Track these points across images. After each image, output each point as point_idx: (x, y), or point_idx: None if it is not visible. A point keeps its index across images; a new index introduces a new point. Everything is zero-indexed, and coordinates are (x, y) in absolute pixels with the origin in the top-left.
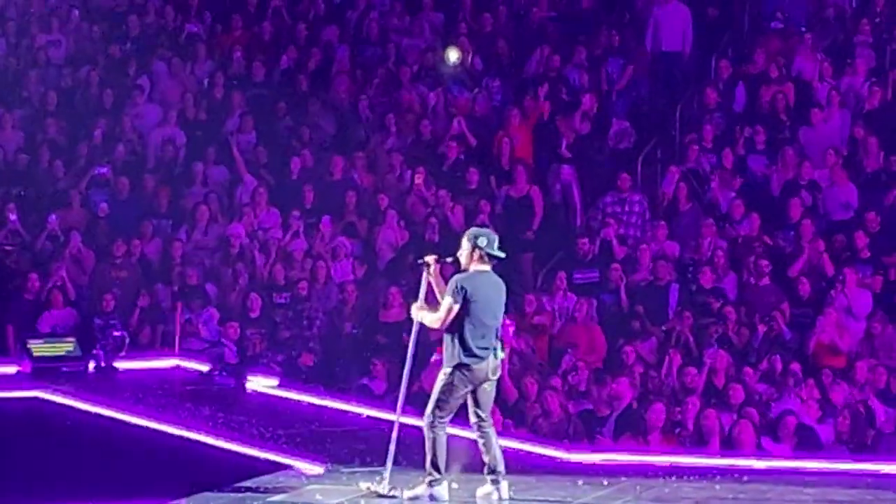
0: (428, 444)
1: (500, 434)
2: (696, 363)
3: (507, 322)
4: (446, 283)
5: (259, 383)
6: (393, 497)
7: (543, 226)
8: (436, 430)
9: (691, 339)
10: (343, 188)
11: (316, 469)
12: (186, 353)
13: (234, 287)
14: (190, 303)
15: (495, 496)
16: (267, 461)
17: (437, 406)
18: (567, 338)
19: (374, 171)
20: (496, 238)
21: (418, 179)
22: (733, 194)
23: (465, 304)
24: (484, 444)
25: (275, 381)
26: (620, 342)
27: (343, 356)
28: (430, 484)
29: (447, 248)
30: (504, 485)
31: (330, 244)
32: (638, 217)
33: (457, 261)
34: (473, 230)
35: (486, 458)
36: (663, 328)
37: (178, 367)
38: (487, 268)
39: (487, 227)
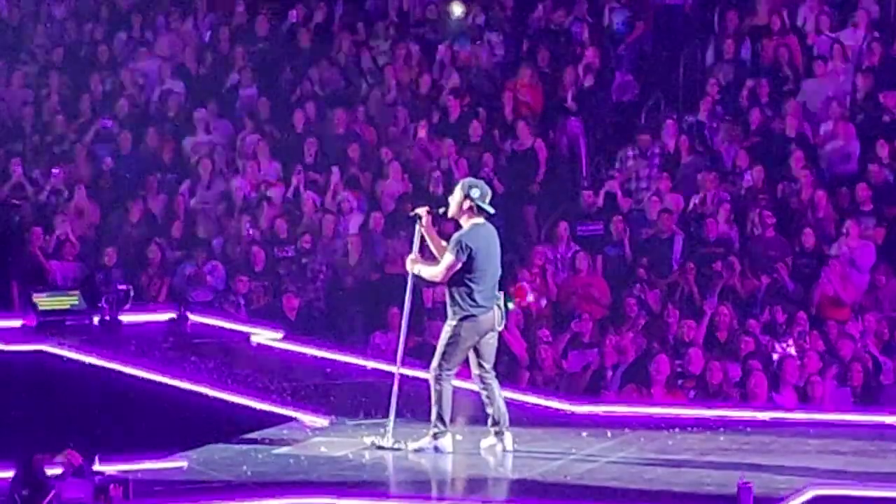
0: (434, 397)
1: (503, 386)
2: (699, 315)
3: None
4: (440, 234)
5: (264, 336)
6: (397, 450)
7: (547, 179)
8: (442, 382)
9: (695, 290)
10: (346, 141)
11: (321, 422)
12: (193, 306)
13: (237, 241)
14: (195, 256)
15: (499, 448)
16: (272, 414)
17: (444, 358)
18: (570, 289)
19: (376, 124)
20: (489, 192)
21: (421, 133)
22: (737, 147)
23: (470, 259)
24: (487, 397)
25: (279, 334)
26: (624, 294)
27: (348, 309)
28: (435, 436)
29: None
30: (507, 436)
31: (336, 198)
32: (648, 169)
33: (446, 211)
34: (468, 180)
35: (489, 410)
36: (666, 280)
37: (180, 318)
38: (482, 220)
39: (491, 180)
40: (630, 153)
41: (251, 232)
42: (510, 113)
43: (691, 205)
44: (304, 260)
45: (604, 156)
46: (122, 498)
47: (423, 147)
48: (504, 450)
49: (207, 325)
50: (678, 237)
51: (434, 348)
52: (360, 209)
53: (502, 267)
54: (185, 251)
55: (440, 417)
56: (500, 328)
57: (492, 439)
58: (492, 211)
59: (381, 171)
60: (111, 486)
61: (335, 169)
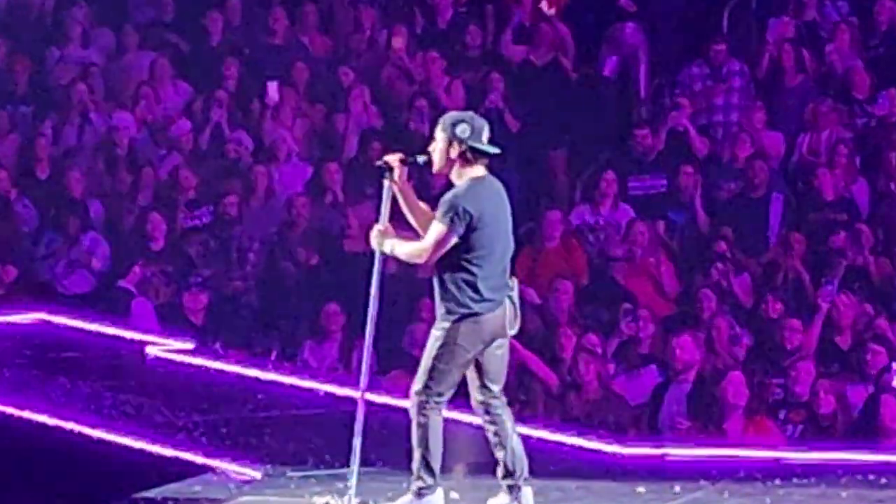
0: (416, 434)
1: (520, 420)
2: (808, 311)
3: None
4: (420, 197)
5: (165, 348)
6: None
7: (584, 110)
8: (428, 412)
9: (804, 275)
10: (287, 57)
11: (251, 473)
12: (61, 303)
13: (126, 205)
14: (65, 226)
15: None
16: (179, 461)
17: (431, 377)
18: (621, 273)
19: (332, 32)
20: (485, 126)
21: (398, 43)
22: (861, 62)
23: (469, 232)
24: (496, 434)
25: (189, 345)
26: (697, 281)
27: (290, 307)
28: (419, 493)
29: None
30: (527, 493)
31: (272, 137)
32: (737, 96)
33: (429, 160)
34: (450, 116)
35: (499, 454)
36: (761, 260)
37: (45, 323)
38: (482, 171)
39: (501, 112)
40: (705, 71)
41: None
42: (529, 13)
43: (797, 149)
44: (224, 232)
45: (667, 76)
46: None
47: (399, 64)
48: None
49: (82, 331)
50: (777, 197)
51: (417, 363)
52: (306, 157)
53: (515, 242)
54: (48, 219)
55: (426, 465)
56: (512, 332)
57: (504, 498)
58: (495, 151)
59: (337, 101)
60: None
61: (270, 94)
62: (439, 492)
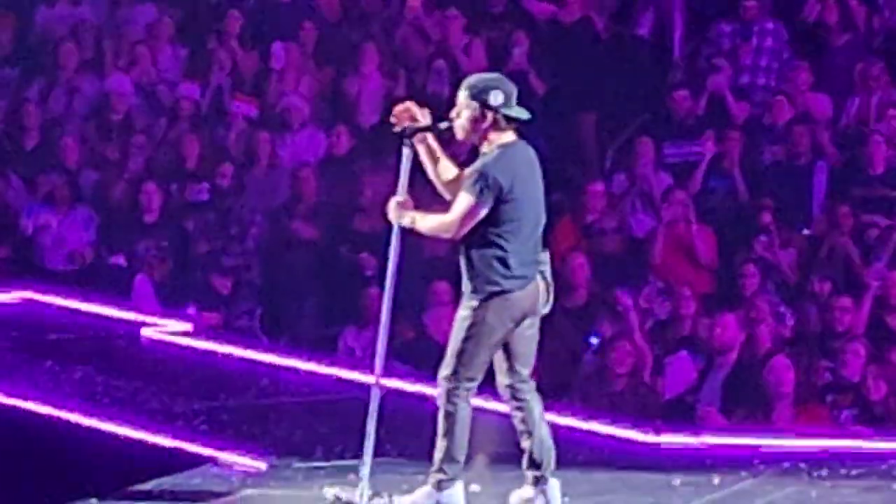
0: (442, 424)
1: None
2: (856, 289)
3: None
4: (455, 161)
5: (161, 329)
6: None
7: (616, 71)
8: (457, 400)
9: (852, 250)
10: (294, 15)
11: (254, 464)
12: (48, 280)
13: (119, 175)
14: (54, 198)
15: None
16: (177, 451)
17: (461, 361)
18: (656, 247)
19: None
20: (514, 89)
21: (414, 1)
22: None
23: (500, 203)
24: (522, 421)
25: (187, 326)
26: (738, 256)
27: (297, 287)
28: (439, 486)
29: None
30: (554, 486)
31: (279, 102)
32: (770, 57)
33: (450, 127)
34: (478, 80)
35: (524, 444)
36: (805, 232)
37: (32, 302)
38: (513, 136)
39: (525, 74)
40: (740, 29)
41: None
42: None
43: (844, 114)
44: (225, 204)
45: (703, 36)
46: None
47: (416, 24)
48: None
49: (73, 311)
50: (822, 165)
51: (442, 348)
52: (316, 123)
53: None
54: (35, 189)
55: (449, 457)
56: (545, 311)
57: (528, 490)
58: (527, 117)
59: (349, 63)
60: None
61: (276, 54)
62: (459, 485)
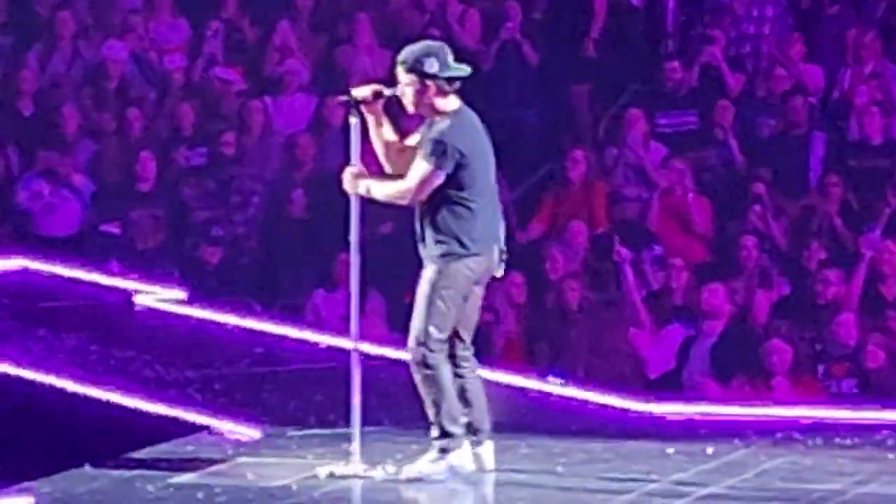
0: (428, 390)
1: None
2: (846, 260)
3: None
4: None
5: (155, 297)
6: (370, 478)
7: (609, 40)
8: (434, 361)
9: (838, 221)
10: None
11: (248, 432)
12: (41, 247)
13: (117, 142)
14: (49, 165)
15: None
16: (170, 420)
17: (431, 320)
18: (650, 216)
19: None
20: (449, 52)
21: None
22: None
23: (459, 169)
24: (462, 387)
25: (181, 294)
26: (732, 226)
27: (291, 255)
28: (443, 451)
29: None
30: (488, 447)
31: (277, 68)
32: (769, 26)
33: (396, 98)
34: (406, 52)
35: (464, 412)
36: (800, 203)
37: (25, 270)
38: (457, 102)
39: (519, 44)
40: None
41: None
42: None
43: (838, 85)
44: (224, 173)
45: (698, 5)
46: None
47: None
48: (482, 469)
49: (66, 279)
50: (818, 136)
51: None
52: (310, 90)
53: (537, 183)
54: (31, 157)
55: (449, 416)
56: (498, 275)
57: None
58: (467, 71)
59: (341, 33)
60: None
61: (281, 24)
62: (466, 447)
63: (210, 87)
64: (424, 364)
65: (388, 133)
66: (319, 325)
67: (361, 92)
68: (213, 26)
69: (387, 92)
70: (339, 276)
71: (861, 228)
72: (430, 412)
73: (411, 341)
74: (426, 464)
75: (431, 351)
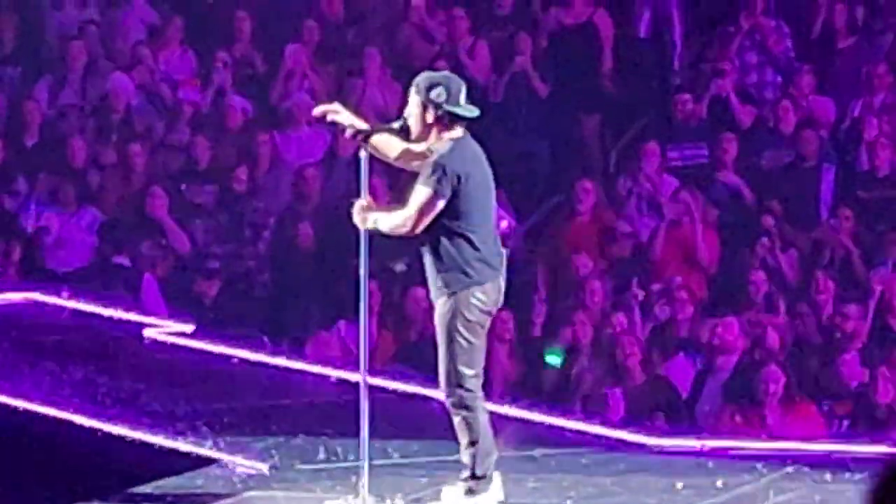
0: (466, 432)
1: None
2: (859, 294)
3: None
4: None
5: (164, 330)
6: None
7: (619, 74)
8: (472, 403)
9: (854, 253)
10: (297, 15)
11: (257, 466)
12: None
13: (124, 175)
14: (57, 197)
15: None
16: (178, 454)
17: (461, 362)
18: (659, 250)
19: None
20: (462, 86)
21: (417, 1)
22: None
23: (457, 195)
24: (468, 426)
25: (188, 327)
26: (742, 258)
27: (301, 289)
28: (470, 492)
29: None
30: (496, 480)
31: (284, 101)
32: (778, 59)
33: (404, 127)
34: (424, 78)
35: (468, 450)
36: (811, 236)
37: (35, 303)
38: (461, 132)
39: (527, 77)
40: (746, 31)
41: None
42: None
43: (849, 117)
44: (233, 207)
45: (706, 38)
46: None
47: (419, 24)
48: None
49: (74, 312)
50: (828, 168)
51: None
52: (319, 123)
53: (549, 212)
54: (41, 190)
55: (480, 459)
56: (498, 306)
57: (461, 487)
58: (475, 114)
59: (351, 64)
60: None
61: (289, 50)
62: (494, 487)
63: (222, 119)
64: (463, 406)
65: (395, 146)
66: (328, 359)
67: (361, 123)
68: (221, 58)
69: (395, 125)
70: (348, 309)
71: (872, 261)
72: (465, 453)
73: (444, 385)
74: (453, 501)
75: (469, 391)
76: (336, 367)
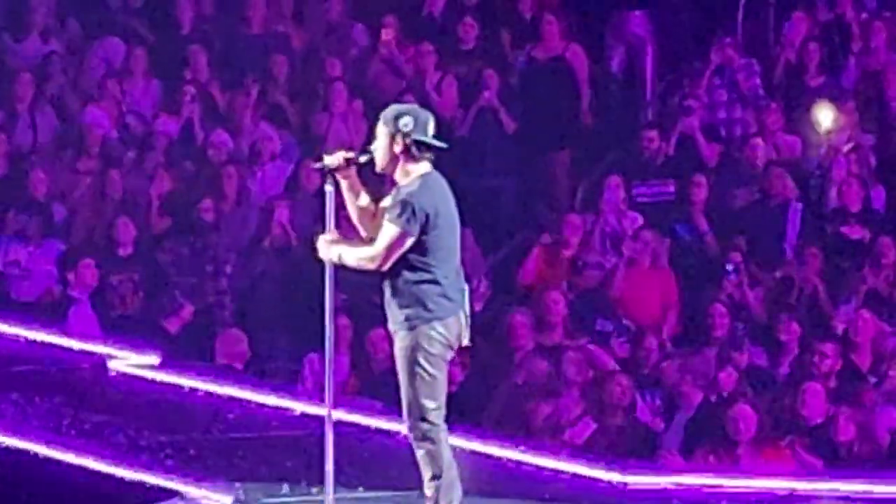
0: (429, 465)
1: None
2: (828, 332)
3: None
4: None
5: (128, 362)
6: None
7: (591, 109)
8: (436, 436)
9: (821, 291)
10: (265, 49)
11: (221, 498)
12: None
13: (93, 210)
14: (24, 229)
15: None
16: (141, 485)
17: (423, 395)
18: (622, 289)
19: (314, 22)
20: (429, 118)
21: (386, 35)
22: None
23: (425, 232)
24: (432, 459)
25: (155, 359)
26: (707, 296)
27: (267, 320)
28: None
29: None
30: None
31: (250, 136)
32: (747, 95)
33: (371, 159)
34: (392, 109)
35: (430, 483)
36: (777, 274)
37: None
38: (428, 167)
39: (496, 111)
40: (715, 69)
41: None
42: (530, 6)
43: (816, 154)
44: (199, 241)
45: (677, 74)
46: None
47: (387, 58)
48: None
49: (37, 343)
50: (795, 206)
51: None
52: (285, 157)
53: (515, 249)
54: (4, 225)
55: (444, 492)
56: (464, 343)
57: None
58: (441, 145)
59: (318, 98)
60: None
61: (252, 89)
62: None
63: (190, 151)
64: (426, 439)
65: (363, 199)
66: (292, 391)
67: (334, 160)
68: (188, 90)
69: (362, 159)
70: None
71: (838, 299)
72: (429, 487)
73: (407, 418)
74: None
75: (433, 424)
76: (301, 400)
